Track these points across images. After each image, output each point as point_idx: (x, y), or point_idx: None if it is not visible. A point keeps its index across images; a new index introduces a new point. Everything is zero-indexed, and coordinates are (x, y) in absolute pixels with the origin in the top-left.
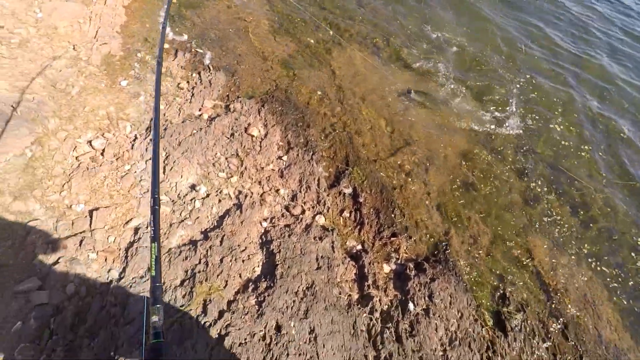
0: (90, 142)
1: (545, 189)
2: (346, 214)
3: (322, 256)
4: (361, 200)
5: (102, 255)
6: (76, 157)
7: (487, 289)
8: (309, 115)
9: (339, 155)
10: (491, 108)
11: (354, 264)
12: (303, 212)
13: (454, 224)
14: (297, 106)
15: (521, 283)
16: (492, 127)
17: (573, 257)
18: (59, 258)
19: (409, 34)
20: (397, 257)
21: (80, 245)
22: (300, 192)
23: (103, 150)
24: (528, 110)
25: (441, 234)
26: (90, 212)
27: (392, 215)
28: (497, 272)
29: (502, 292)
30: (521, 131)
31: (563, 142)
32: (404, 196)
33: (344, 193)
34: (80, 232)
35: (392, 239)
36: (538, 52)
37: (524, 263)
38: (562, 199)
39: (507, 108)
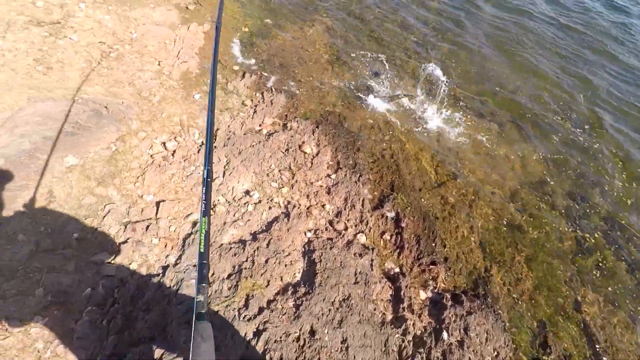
0: (164, 143)
1: (600, 241)
2: (387, 236)
3: (360, 272)
4: (403, 225)
5: (164, 241)
6: (151, 155)
7: (527, 334)
8: (360, 140)
9: (384, 180)
10: (546, 154)
11: (390, 285)
12: (346, 228)
13: (497, 262)
14: (349, 130)
15: (565, 334)
16: (546, 171)
17: (627, 317)
18: (127, 238)
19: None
20: (435, 285)
21: (146, 230)
22: (344, 209)
23: (174, 151)
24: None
25: (482, 270)
26: (157, 203)
27: (433, 244)
28: (540, 318)
29: (543, 339)
30: (572, 180)
31: (624, 198)
32: (446, 227)
33: (387, 216)
34: (148, 219)
35: (430, 266)
36: None
37: (570, 314)
38: (619, 254)
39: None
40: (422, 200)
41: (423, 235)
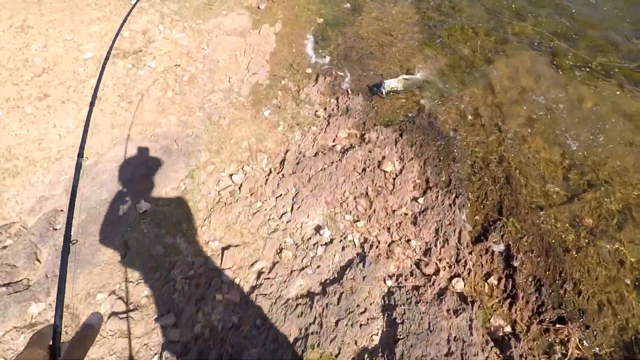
0: (231, 175)
1: None
2: (493, 280)
3: (455, 337)
4: (516, 263)
5: (227, 297)
6: (218, 192)
7: None
8: (455, 146)
9: (489, 200)
10: None
11: (498, 352)
12: (437, 271)
13: None
14: (440, 134)
15: None
16: None
17: None
18: (191, 296)
19: (603, 35)
20: (565, 352)
21: (209, 285)
22: (435, 245)
23: (241, 185)
24: None
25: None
26: (223, 250)
27: (561, 291)
28: None
29: None
30: None
31: None
32: (581, 263)
33: (493, 251)
34: (212, 270)
35: (558, 325)
36: None
37: None
38: None
39: None
40: (544, 224)
41: (546, 277)
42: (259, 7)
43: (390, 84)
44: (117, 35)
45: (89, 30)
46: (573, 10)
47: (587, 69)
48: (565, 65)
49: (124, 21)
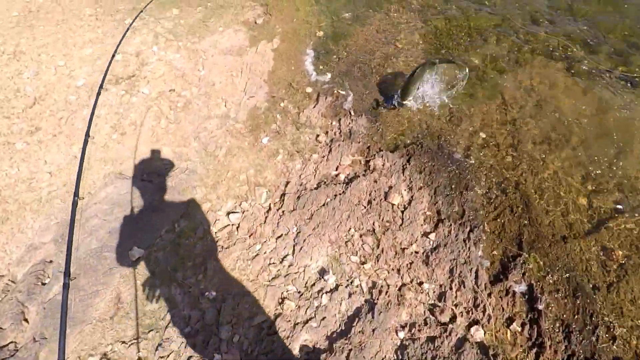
0: (229, 214)
1: None
2: (516, 325)
3: None
4: (541, 306)
5: (226, 358)
6: (215, 233)
7: None
8: (468, 171)
9: (507, 232)
10: None
11: None
12: (453, 318)
13: None
14: (451, 158)
15: None
16: None
17: None
18: (189, 358)
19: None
20: None
21: (207, 344)
22: (450, 288)
23: (239, 225)
24: None
25: None
26: (220, 302)
27: (593, 337)
28: None
29: None
30: None
31: None
32: (615, 303)
33: (514, 292)
34: (210, 325)
35: None
36: None
37: None
38: None
39: None
40: (570, 258)
41: (575, 321)
42: (256, 22)
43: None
44: (109, 64)
45: (82, 54)
46: (590, 14)
47: (609, 79)
48: (584, 75)
49: (117, 47)
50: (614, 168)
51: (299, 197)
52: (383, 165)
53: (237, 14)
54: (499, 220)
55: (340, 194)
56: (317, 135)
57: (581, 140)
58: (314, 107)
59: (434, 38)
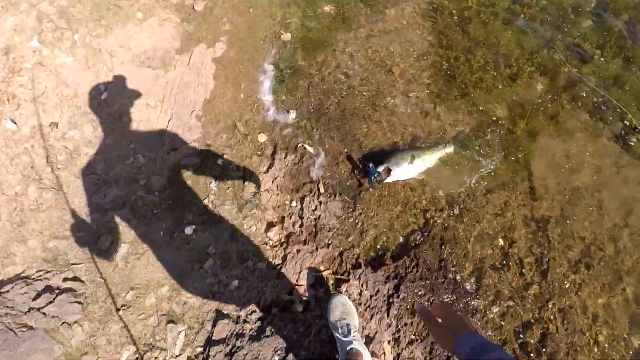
0: None
1: None
2: None
3: None
4: None
5: None
6: None
7: None
8: (477, 309)
9: None
10: None
11: None
12: None
13: None
14: (461, 286)
15: None
16: None
17: None
18: None
19: None
20: None
21: None
22: None
23: None
24: None
25: None
26: None
27: None
28: None
29: None
30: None
31: None
32: None
33: None
34: None
35: None
36: None
37: None
38: None
39: None
40: None
41: None
42: (194, 8)
43: (399, 165)
44: None
45: None
46: None
47: None
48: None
49: None
50: None
51: (231, 355)
52: (360, 294)
53: None
54: None
55: None
56: (269, 226)
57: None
58: (266, 171)
59: (445, 67)
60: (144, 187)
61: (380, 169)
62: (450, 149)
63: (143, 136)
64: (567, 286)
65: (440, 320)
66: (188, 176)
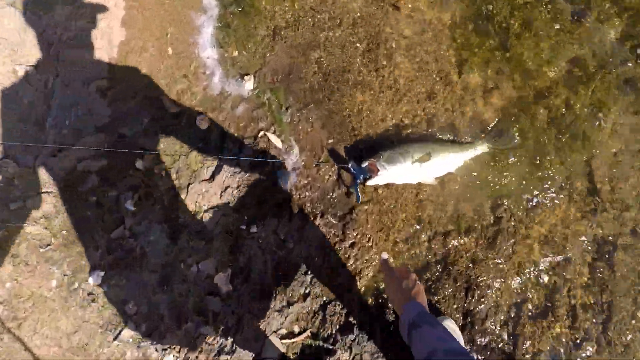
0: None
1: None
2: None
3: None
4: None
5: None
6: None
7: None
8: None
9: None
10: None
11: None
12: None
13: None
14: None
15: None
16: None
17: None
18: None
19: None
20: None
21: None
22: None
23: None
24: None
25: None
26: None
27: None
28: None
29: None
30: None
31: None
32: None
33: None
34: None
35: None
36: None
37: None
38: None
39: None
40: None
41: None
42: None
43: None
44: None
45: None
46: None
47: None
48: None
49: None
50: None
51: None
52: None
53: None
54: None
55: None
56: (216, 268)
57: None
58: (212, 178)
59: (472, 14)
60: (20, 216)
61: (365, 164)
62: (484, 147)
63: (9, 130)
64: None
65: (399, 280)
66: (89, 190)
